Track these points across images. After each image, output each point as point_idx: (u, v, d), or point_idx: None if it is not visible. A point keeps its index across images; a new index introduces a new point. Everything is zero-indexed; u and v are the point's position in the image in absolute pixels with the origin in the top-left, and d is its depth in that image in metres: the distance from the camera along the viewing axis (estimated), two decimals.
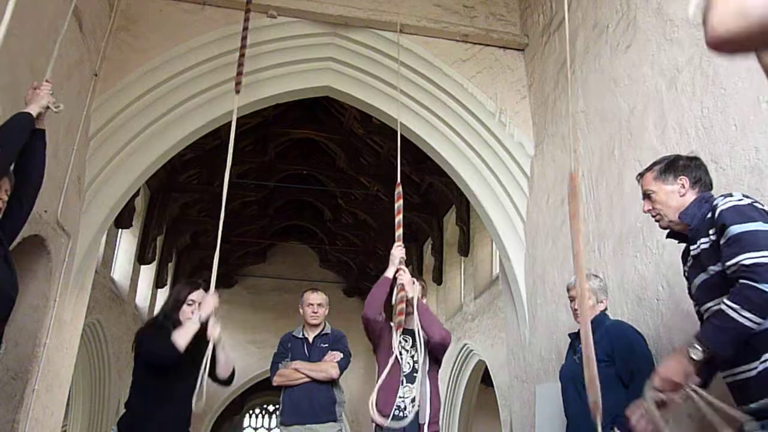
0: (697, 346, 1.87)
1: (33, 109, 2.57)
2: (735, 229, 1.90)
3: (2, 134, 2.35)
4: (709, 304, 2.04)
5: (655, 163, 2.30)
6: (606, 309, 3.15)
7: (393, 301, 3.24)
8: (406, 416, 3.01)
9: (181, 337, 2.85)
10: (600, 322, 3.06)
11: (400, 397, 3.07)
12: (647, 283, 3.35)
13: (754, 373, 1.86)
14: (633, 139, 3.66)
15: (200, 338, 2.96)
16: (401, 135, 5.54)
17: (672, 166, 2.24)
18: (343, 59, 5.41)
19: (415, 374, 3.11)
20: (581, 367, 3.06)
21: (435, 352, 3.22)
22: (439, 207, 11.63)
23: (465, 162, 5.44)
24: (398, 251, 3.24)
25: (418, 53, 5.33)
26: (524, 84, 5.47)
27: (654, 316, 3.25)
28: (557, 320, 4.41)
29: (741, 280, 1.83)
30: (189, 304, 3.04)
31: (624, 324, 3.10)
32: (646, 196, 2.28)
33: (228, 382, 3.19)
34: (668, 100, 3.33)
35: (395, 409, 3.05)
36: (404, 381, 3.10)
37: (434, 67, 5.35)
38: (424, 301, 3.33)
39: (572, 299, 3.16)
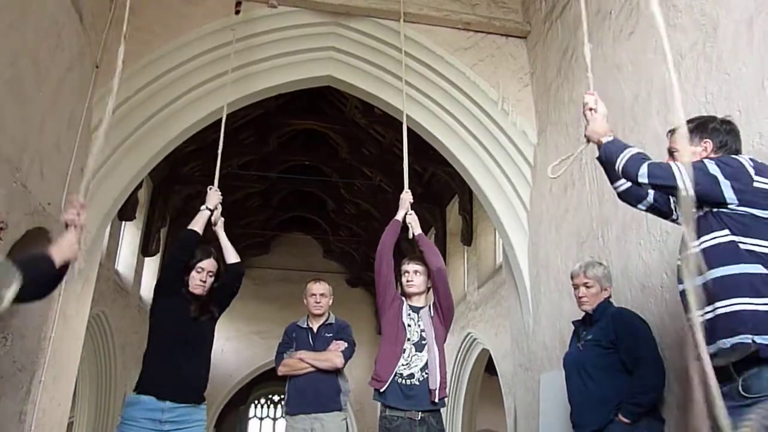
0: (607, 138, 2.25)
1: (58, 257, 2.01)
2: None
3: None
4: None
5: (688, 121, 2.24)
6: (610, 296, 3.15)
7: (400, 273, 3.39)
8: (415, 383, 3.05)
9: (196, 224, 3.33)
10: (604, 309, 3.07)
11: (404, 365, 3.10)
12: (651, 271, 3.35)
13: (723, 311, 1.90)
14: (637, 125, 3.64)
15: (208, 305, 3.22)
16: (403, 124, 5.52)
17: (701, 127, 2.21)
18: (345, 49, 5.39)
19: (424, 342, 3.16)
20: (585, 354, 3.09)
21: (444, 315, 3.26)
22: (442, 196, 11.61)
23: (467, 151, 5.43)
24: (407, 195, 3.57)
25: (420, 42, 5.30)
26: (527, 72, 5.43)
27: (658, 303, 3.25)
28: (561, 308, 4.41)
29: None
30: (198, 272, 3.21)
31: (628, 311, 3.11)
32: (670, 153, 2.26)
33: (239, 271, 3.50)
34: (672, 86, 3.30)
35: (398, 377, 3.08)
36: (413, 349, 3.15)
37: (436, 56, 5.32)
38: (430, 282, 3.39)
39: (576, 287, 3.16)
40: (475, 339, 9.85)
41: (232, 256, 3.47)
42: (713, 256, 1.94)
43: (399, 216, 3.51)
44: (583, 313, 3.18)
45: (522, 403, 5.14)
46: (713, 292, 1.91)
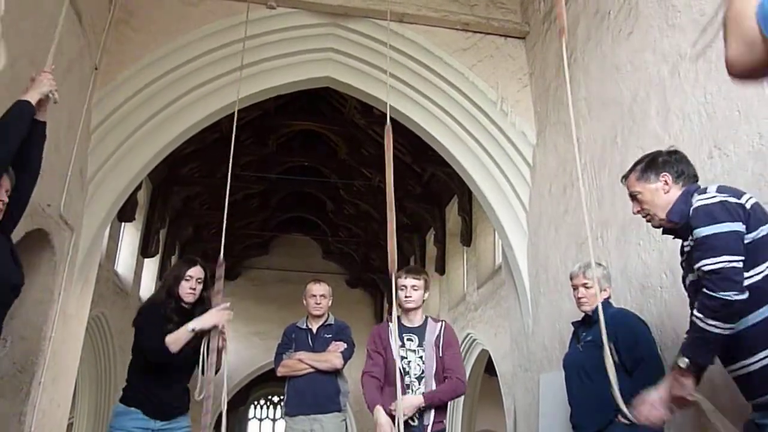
0: (683, 357, 1.94)
1: (32, 96, 2.48)
2: (700, 232, 1.93)
3: (2, 126, 2.31)
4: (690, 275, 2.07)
5: (636, 164, 2.30)
6: (609, 297, 3.15)
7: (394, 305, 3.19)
8: (413, 423, 3.02)
9: (174, 342, 2.91)
10: (603, 309, 3.06)
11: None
12: (651, 271, 3.35)
13: (755, 368, 1.87)
14: (635, 126, 3.64)
15: (187, 314, 3.08)
16: (402, 125, 5.53)
17: (652, 164, 2.23)
18: (344, 50, 5.39)
19: (423, 375, 3.10)
20: (585, 355, 3.08)
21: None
22: (441, 197, 11.61)
23: (466, 151, 5.43)
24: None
25: (418, 42, 5.31)
26: (525, 72, 5.44)
27: (657, 303, 3.25)
28: (560, 309, 4.42)
29: (703, 288, 1.87)
30: (186, 280, 3.12)
31: (627, 312, 3.10)
32: (633, 197, 2.28)
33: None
34: (671, 87, 3.31)
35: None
36: (416, 384, 3.09)
37: (435, 56, 5.32)
38: (427, 294, 3.28)
39: (575, 288, 3.16)
40: (474, 340, 9.85)
41: (203, 388, 2.98)
42: (754, 296, 1.84)
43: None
44: (583, 314, 3.18)
45: (522, 403, 5.14)
46: (760, 337, 1.83)
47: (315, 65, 5.42)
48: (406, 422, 2.96)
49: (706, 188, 2.08)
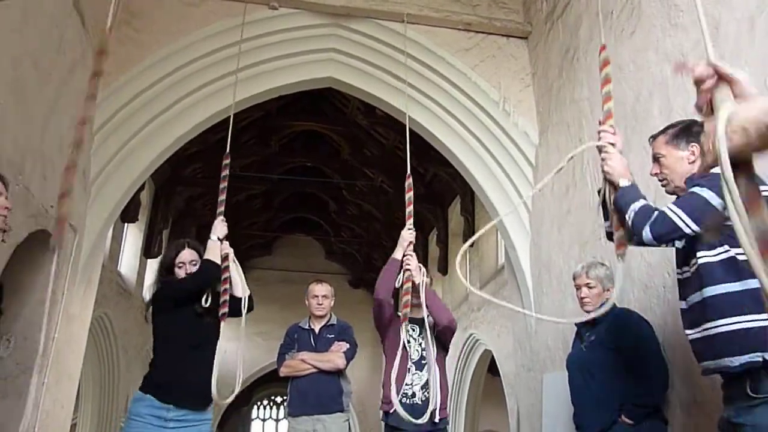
0: (624, 181, 2.13)
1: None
2: (692, 188, 1.97)
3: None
4: (682, 268, 2.11)
5: (669, 127, 2.25)
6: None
7: (399, 290, 3.26)
8: (417, 403, 3.04)
9: (212, 255, 3.17)
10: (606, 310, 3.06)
11: (407, 384, 3.08)
12: (654, 271, 3.34)
13: (715, 332, 1.89)
14: (638, 125, 3.63)
15: (216, 310, 3.13)
16: (404, 125, 5.50)
17: (686, 131, 2.18)
18: (346, 50, 5.39)
19: (423, 361, 3.14)
20: (588, 355, 3.08)
21: (443, 338, 3.24)
22: (444, 197, 11.60)
23: (469, 152, 5.42)
24: (408, 234, 3.25)
25: (421, 42, 5.30)
26: (528, 72, 5.43)
27: (661, 303, 3.24)
28: (563, 309, 4.41)
29: (668, 206, 1.97)
30: (179, 267, 3.16)
31: (631, 312, 3.10)
32: (656, 159, 2.24)
33: (249, 306, 3.28)
34: (674, 86, 3.30)
35: (402, 396, 3.06)
36: (413, 368, 3.13)
37: (437, 57, 5.32)
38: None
39: (578, 288, 3.16)
40: (477, 340, 9.84)
41: (239, 289, 3.29)
42: (715, 273, 1.92)
43: (398, 254, 3.22)
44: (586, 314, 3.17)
45: (525, 404, 5.13)
46: (717, 309, 1.90)
47: (317, 66, 5.42)
48: (411, 404, 3.00)
49: None
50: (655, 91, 3.48)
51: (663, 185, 2.26)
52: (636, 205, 2.05)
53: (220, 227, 3.32)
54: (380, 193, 12.06)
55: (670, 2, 3.38)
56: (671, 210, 1.93)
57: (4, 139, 3.21)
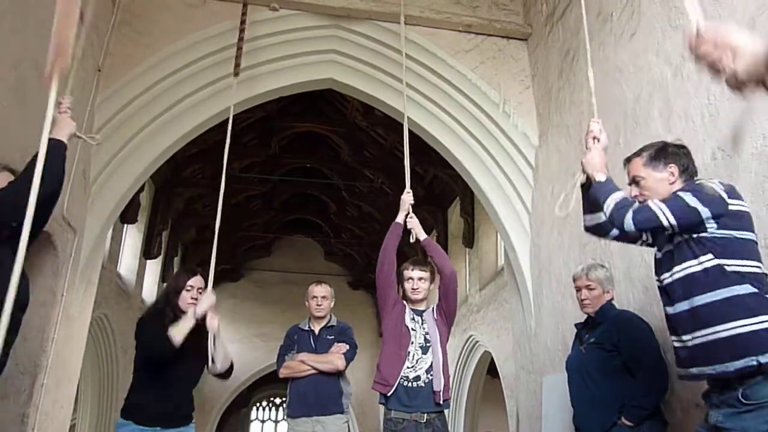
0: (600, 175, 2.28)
1: (64, 136, 2.47)
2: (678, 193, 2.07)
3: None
4: (665, 275, 2.14)
5: (643, 149, 2.30)
6: (612, 299, 3.14)
7: (402, 277, 3.33)
8: (420, 385, 3.05)
9: (178, 333, 2.94)
10: (606, 311, 3.06)
11: (408, 368, 3.10)
12: (653, 273, 3.34)
13: (713, 338, 1.92)
14: (638, 127, 3.63)
15: (200, 327, 3.06)
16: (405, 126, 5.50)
17: (662, 152, 2.23)
18: (346, 51, 5.39)
19: (428, 344, 3.17)
20: (587, 357, 3.08)
21: (448, 301, 3.29)
22: (444, 199, 11.61)
23: (469, 153, 5.42)
24: (408, 196, 3.49)
25: (421, 44, 5.31)
26: (528, 74, 5.43)
27: (660, 305, 3.23)
28: (563, 311, 4.41)
29: (648, 202, 2.11)
30: (188, 290, 3.14)
31: (631, 314, 3.10)
32: (634, 182, 2.28)
33: (225, 375, 3.24)
34: (674, 88, 3.31)
35: (404, 380, 3.07)
36: (419, 352, 3.16)
37: (437, 58, 5.32)
38: (432, 286, 3.39)
39: (578, 289, 3.16)
40: (477, 341, 9.84)
41: (218, 364, 3.09)
42: (701, 282, 1.98)
43: (400, 218, 3.44)
44: (586, 316, 3.17)
45: (524, 405, 5.13)
46: (707, 317, 1.95)
47: (317, 67, 5.43)
48: (415, 387, 3.06)
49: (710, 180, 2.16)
50: (655, 92, 3.48)
51: None
52: (617, 195, 2.18)
53: (207, 300, 3.06)
54: (380, 194, 12.06)
55: (671, 4, 3.38)
56: (654, 203, 2.07)
57: (4, 140, 3.21)
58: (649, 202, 2.09)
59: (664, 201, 2.07)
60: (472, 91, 5.33)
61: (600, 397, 2.88)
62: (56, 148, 2.36)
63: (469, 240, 10.29)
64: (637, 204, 2.11)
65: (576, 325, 3.30)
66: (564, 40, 4.84)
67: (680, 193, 2.05)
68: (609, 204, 2.17)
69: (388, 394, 3.08)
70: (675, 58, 3.32)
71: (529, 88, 5.39)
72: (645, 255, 3.44)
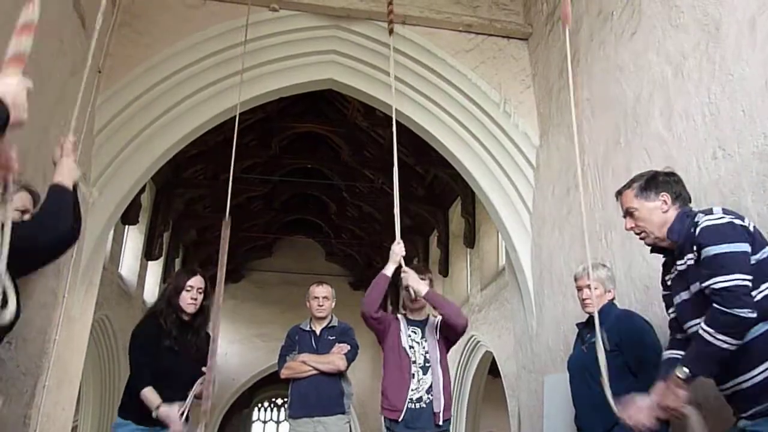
0: (684, 369, 1.96)
1: (68, 182, 2.14)
2: (710, 250, 1.95)
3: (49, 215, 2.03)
4: (690, 323, 2.09)
5: (633, 181, 2.31)
6: (614, 298, 3.14)
7: (401, 301, 3.29)
8: (422, 406, 3.04)
9: (144, 400, 2.95)
10: (608, 311, 3.06)
11: (412, 389, 3.08)
12: (654, 272, 3.33)
13: (753, 382, 1.90)
14: (639, 127, 3.63)
15: (199, 327, 3.14)
16: (405, 127, 5.51)
17: (652, 182, 2.25)
18: (346, 52, 5.39)
19: (428, 364, 3.14)
20: (589, 356, 3.07)
21: (453, 335, 3.24)
22: (445, 199, 11.61)
23: (470, 153, 5.42)
24: (398, 248, 3.19)
25: (421, 44, 5.31)
26: (528, 74, 5.43)
27: (662, 304, 3.24)
28: (564, 310, 4.40)
29: (713, 304, 1.89)
30: (188, 290, 3.15)
31: (632, 313, 3.09)
32: (628, 213, 2.29)
33: None
34: (674, 87, 3.30)
35: (408, 402, 3.06)
36: (420, 372, 3.12)
37: (438, 58, 5.32)
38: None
39: (580, 289, 3.15)
40: (478, 341, 9.84)
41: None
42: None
43: (388, 271, 3.13)
44: (587, 316, 3.17)
45: (526, 405, 5.13)
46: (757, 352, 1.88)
47: (318, 68, 5.42)
48: (418, 408, 3.03)
49: (711, 209, 2.11)
50: (656, 92, 3.48)
51: (641, 238, 2.31)
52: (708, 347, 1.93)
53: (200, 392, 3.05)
54: (381, 194, 12.06)
55: (671, 3, 3.38)
56: (742, 314, 1.87)
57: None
58: (712, 306, 1.89)
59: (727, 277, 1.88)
60: (472, 91, 5.33)
61: (601, 396, 2.87)
62: (61, 194, 2.05)
63: (470, 240, 10.29)
64: (706, 323, 1.92)
65: (577, 324, 3.29)
66: (564, 40, 4.83)
67: (733, 247, 1.91)
68: (720, 338, 1.89)
69: (399, 420, 3.05)
70: (675, 57, 3.32)
71: (530, 88, 5.39)
72: (646, 255, 3.44)
